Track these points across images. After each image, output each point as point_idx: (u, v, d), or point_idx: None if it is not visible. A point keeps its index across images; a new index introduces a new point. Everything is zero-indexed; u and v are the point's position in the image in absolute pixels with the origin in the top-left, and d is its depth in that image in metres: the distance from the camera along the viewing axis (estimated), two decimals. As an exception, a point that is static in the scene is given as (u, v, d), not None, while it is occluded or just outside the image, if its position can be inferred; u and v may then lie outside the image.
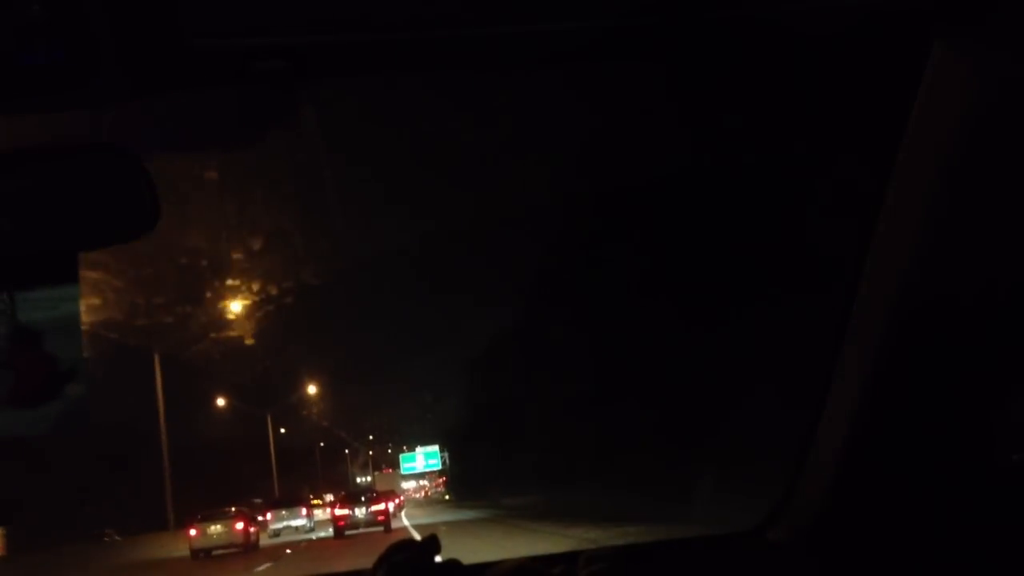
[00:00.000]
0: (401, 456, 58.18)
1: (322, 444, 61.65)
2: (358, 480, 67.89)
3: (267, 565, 20.10)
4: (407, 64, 1.51)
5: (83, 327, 1.45)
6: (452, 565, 1.94)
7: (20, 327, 1.40)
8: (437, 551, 1.88)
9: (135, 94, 1.38)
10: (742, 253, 12.77)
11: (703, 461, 14.19)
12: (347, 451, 69.20)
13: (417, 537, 1.91)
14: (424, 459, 55.77)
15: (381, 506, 28.14)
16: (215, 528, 25.60)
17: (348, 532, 26.95)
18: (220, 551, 25.08)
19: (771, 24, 1.48)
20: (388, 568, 1.80)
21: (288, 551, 23.98)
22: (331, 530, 28.32)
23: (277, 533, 31.70)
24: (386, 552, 1.84)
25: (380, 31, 1.33)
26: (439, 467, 57.38)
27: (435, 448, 55.67)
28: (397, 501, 41.62)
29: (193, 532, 25.74)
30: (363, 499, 29.00)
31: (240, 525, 25.99)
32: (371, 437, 68.47)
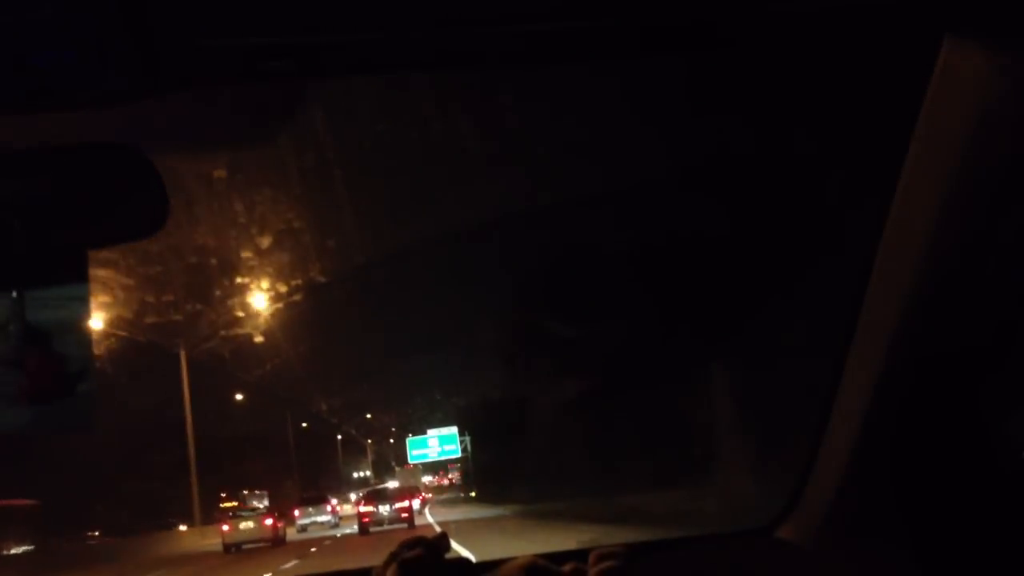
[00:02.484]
0: (408, 441, 44.41)
1: (304, 425, 48.95)
2: (354, 476, 55.76)
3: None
4: (413, 63, 1.51)
5: (92, 325, 1.45)
6: (462, 563, 1.94)
7: (29, 326, 1.41)
8: (447, 548, 1.88)
9: (144, 93, 1.38)
10: (752, 251, 12.75)
11: (713, 459, 14.19)
12: (339, 437, 54.26)
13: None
14: (439, 443, 43.24)
15: (404, 503, 28.59)
16: (245, 524, 26.67)
17: (372, 529, 27.34)
18: (249, 545, 26.18)
19: (779, 22, 1.48)
20: (398, 565, 1.80)
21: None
22: (354, 527, 29.16)
23: (304, 528, 32.99)
24: (396, 550, 1.84)
25: (386, 30, 1.33)
26: (458, 454, 44.41)
27: (453, 430, 43.30)
28: (421, 498, 38.91)
29: (225, 528, 27.36)
30: (387, 497, 29.54)
31: (269, 521, 27.76)
32: (368, 416, 52.73)
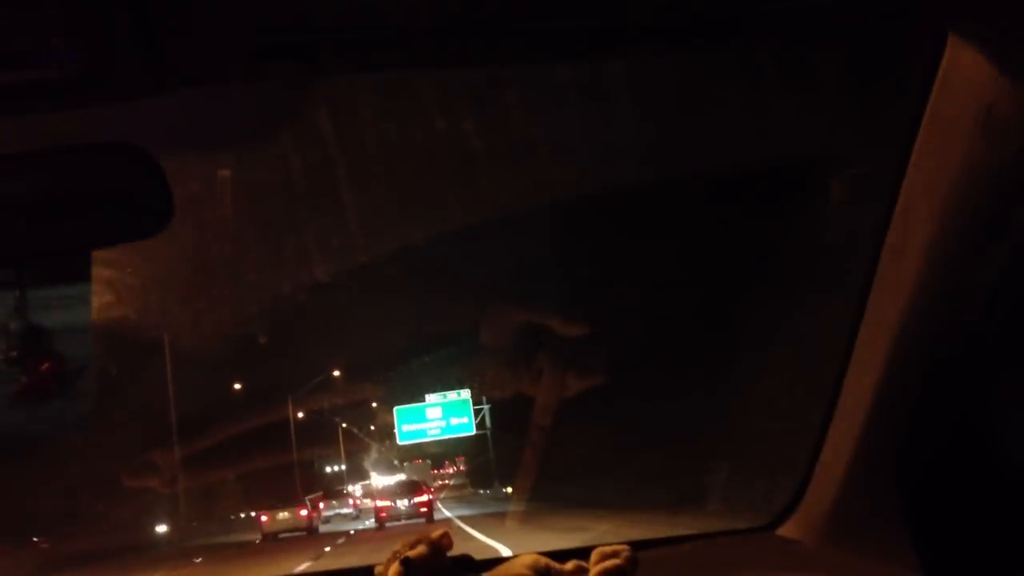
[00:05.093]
0: (396, 412, 28.94)
1: (237, 387, 30.06)
2: (327, 470, 40.73)
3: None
4: (416, 62, 1.52)
5: (94, 325, 1.46)
6: (464, 561, 1.95)
7: (31, 326, 1.41)
8: (449, 546, 1.89)
9: (149, 93, 1.38)
10: (754, 250, 12.76)
11: (716, 457, 14.19)
12: (300, 415, 33.32)
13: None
14: (443, 415, 28.47)
15: (424, 497, 27.70)
16: (283, 515, 28.09)
17: (389, 524, 26.76)
18: (286, 535, 27.22)
19: (785, 19, 1.48)
20: (401, 563, 1.81)
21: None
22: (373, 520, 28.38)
23: (327, 520, 34.10)
24: (399, 547, 1.85)
25: (389, 30, 1.33)
26: (471, 430, 29.14)
27: (464, 396, 28.50)
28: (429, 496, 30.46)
29: (264, 519, 28.22)
30: (404, 491, 28.69)
31: (304, 512, 28.56)
32: (336, 374, 32.22)
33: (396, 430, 29.67)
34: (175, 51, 1.31)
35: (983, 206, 1.66)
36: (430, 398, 29.30)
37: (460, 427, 29.15)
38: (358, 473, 43.56)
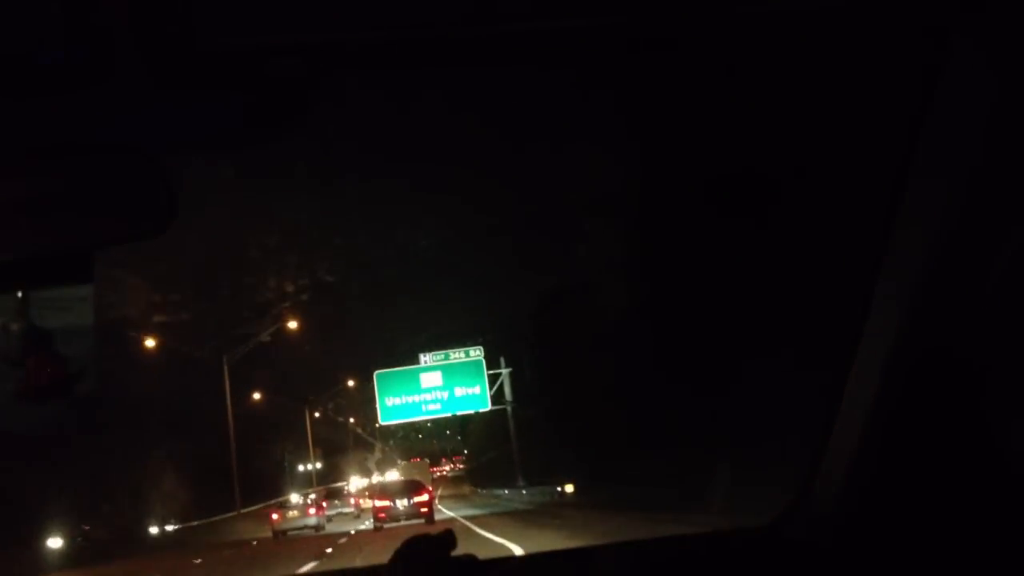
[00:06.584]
0: (377, 377, 19.96)
1: (153, 345, 22.98)
2: (304, 468, 34.38)
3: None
4: (419, 62, 1.52)
5: (96, 325, 1.46)
6: (467, 560, 1.95)
7: (32, 327, 1.42)
8: (453, 546, 1.88)
9: (153, 93, 1.39)
10: (758, 251, 12.76)
11: (720, 457, 14.18)
12: (257, 397, 26.09)
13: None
14: (444, 382, 19.67)
15: (423, 497, 26.83)
16: (293, 512, 29.11)
17: (388, 524, 26.11)
18: (295, 532, 27.92)
19: (787, 19, 1.48)
20: (404, 563, 1.81)
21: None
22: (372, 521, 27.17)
23: (329, 519, 35.15)
24: (402, 547, 1.85)
25: (392, 30, 1.33)
26: (485, 405, 20.41)
27: (476, 355, 19.79)
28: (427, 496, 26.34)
29: (275, 516, 29.03)
30: (403, 491, 27.74)
31: (314, 510, 29.73)
32: (292, 324, 23.41)
33: (378, 404, 20.50)
34: (180, 51, 1.31)
35: (985, 206, 1.66)
36: (425, 359, 20.41)
37: (470, 401, 20.03)
38: (332, 477, 43.37)
